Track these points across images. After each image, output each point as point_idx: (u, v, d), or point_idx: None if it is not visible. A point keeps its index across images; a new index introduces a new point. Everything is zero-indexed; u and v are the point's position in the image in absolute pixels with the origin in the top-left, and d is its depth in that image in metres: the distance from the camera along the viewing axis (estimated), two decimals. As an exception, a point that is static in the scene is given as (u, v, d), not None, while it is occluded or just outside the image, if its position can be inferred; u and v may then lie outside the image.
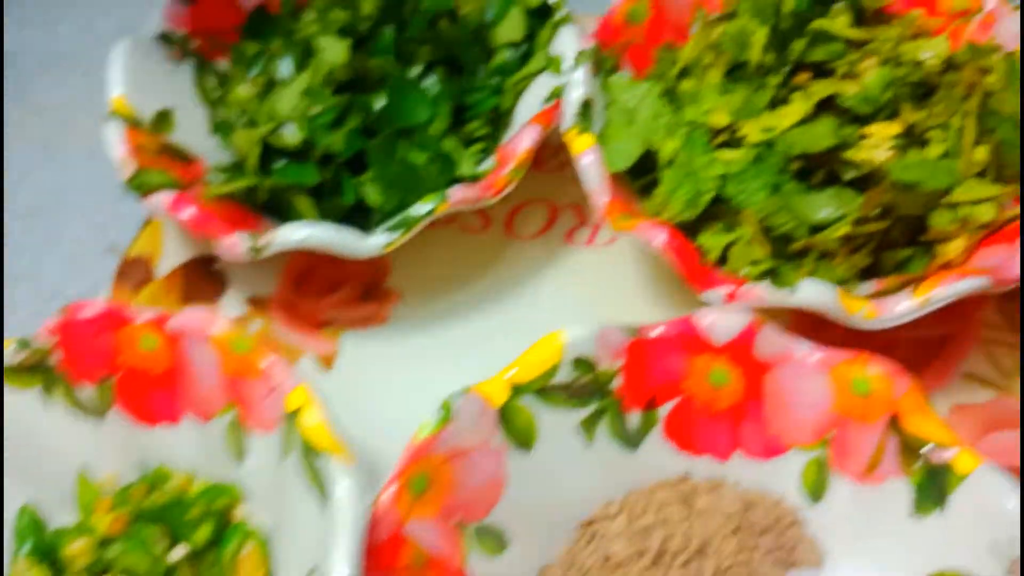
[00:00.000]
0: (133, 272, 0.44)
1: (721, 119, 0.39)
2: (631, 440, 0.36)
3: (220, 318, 0.33)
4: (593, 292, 0.43)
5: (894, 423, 0.33)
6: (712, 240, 0.38)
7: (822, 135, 0.38)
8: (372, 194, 0.41)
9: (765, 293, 0.36)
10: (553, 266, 0.44)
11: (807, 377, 0.35)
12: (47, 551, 0.34)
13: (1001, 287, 0.36)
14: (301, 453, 0.31)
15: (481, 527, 0.34)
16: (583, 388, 0.35)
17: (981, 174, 0.39)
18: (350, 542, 0.28)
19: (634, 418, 0.36)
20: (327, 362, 0.42)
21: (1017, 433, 0.39)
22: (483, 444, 0.34)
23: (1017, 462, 0.38)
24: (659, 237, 0.37)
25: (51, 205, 0.51)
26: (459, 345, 0.42)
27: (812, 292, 0.36)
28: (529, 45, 0.44)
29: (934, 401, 0.40)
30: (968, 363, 0.41)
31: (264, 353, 0.32)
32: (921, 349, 0.41)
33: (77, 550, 0.34)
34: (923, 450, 0.33)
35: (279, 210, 0.41)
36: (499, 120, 0.43)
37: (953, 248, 0.38)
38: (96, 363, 0.34)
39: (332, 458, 0.30)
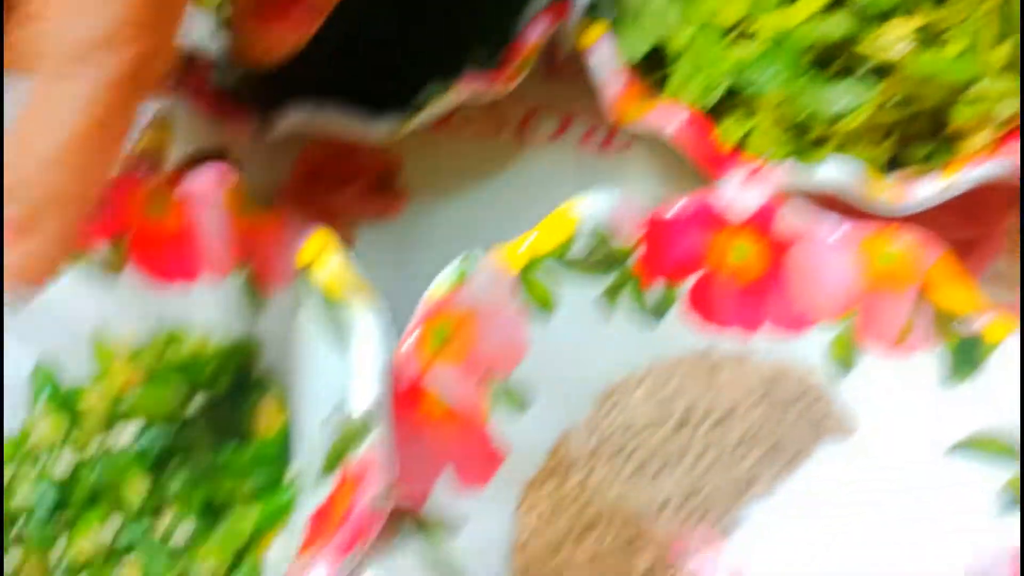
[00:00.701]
0: (141, 166, 0.43)
1: (734, 13, 0.39)
2: (653, 312, 0.36)
3: (231, 176, 0.33)
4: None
5: (924, 293, 0.33)
6: (729, 129, 0.38)
7: (837, 24, 0.38)
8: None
9: (786, 173, 0.35)
10: (567, 171, 0.44)
11: (833, 252, 0.35)
12: (64, 401, 0.34)
13: (1030, 174, 0.36)
14: (320, 298, 0.30)
15: (504, 384, 0.33)
16: (601, 262, 0.35)
17: (1003, 70, 0.39)
18: (378, 367, 0.28)
19: (655, 292, 0.36)
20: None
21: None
22: (502, 307, 0.33)
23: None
24: (678, 119, 0.36)
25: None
26: (471, 245, 0.42)
27: (837, 170, 0.35)
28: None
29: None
30: (996, 266, 0.41)
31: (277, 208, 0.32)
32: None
33: (95, 399, 0.34)
34: (954, 320, 0.32)
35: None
36: (512, 17, 0.43)
37: (976, 142, 0.38)
38: (109, 220, 0.34)
39: (354, 297, 0.29)
